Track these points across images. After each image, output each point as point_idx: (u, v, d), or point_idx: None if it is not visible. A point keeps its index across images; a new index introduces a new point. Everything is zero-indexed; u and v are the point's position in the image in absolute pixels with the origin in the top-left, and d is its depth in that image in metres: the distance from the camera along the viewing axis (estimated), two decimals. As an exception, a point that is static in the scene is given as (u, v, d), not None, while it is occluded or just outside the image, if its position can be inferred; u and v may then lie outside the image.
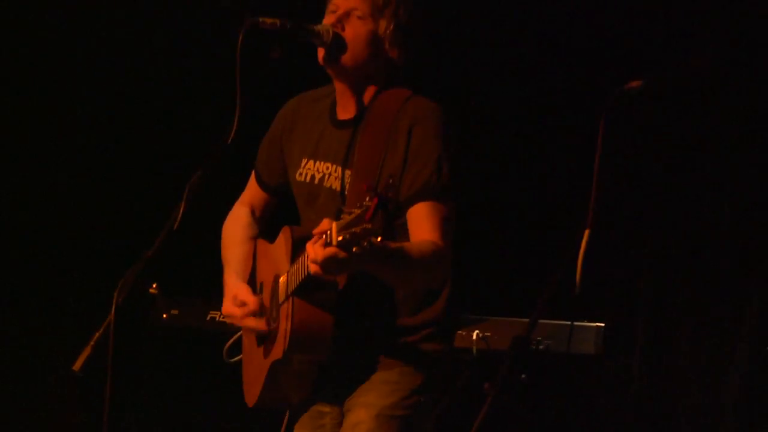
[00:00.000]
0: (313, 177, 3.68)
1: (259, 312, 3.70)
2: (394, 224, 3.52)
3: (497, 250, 5.60)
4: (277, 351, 3.58)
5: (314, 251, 3.21)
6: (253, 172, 3.94)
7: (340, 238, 3.12)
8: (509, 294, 5.22)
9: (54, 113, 6.05)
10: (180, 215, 3.34)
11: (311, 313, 3.49)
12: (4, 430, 6.09)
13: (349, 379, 3.62)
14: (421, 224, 3.52)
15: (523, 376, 4.57)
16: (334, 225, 3.14)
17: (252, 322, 3.69)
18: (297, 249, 3.53)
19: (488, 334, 4.93)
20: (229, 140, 3.40)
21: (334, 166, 3.65)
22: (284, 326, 3.55)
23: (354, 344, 3.59)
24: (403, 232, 3.54)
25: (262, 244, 3.88)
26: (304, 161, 3.73)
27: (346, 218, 3.13)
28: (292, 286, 3.51)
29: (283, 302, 3.61)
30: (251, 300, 3.70)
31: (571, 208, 3.76)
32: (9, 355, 6.08)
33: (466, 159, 3.63)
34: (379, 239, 3.11)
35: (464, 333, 4.91)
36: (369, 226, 3.09)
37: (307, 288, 3.47)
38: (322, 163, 3.68)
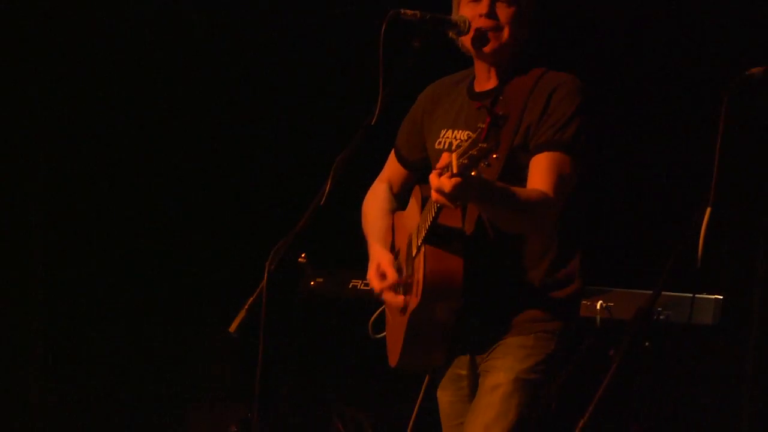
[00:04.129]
0: (450, 144, 3.74)
1: (397, 287, 3.75)
2: (517, 159, 3.57)
3: (622, 225, 5.59)
4: (414, 301, 3.64)
5: (438, 181, 3.26)
6: (392, 151, 4.04)
7: (460, 163, 3.17)
8: (630, 267, 5.23)
9: (215, 105, 6.48)
10: (327, 192, 3.46)
11: (442, 258, 3.54)
12: (168, 381, 6.59)
13: (484, 341, 3.70)
14: (536, 173, 3.55)
15: (646, 344, 4.48)
16: (453, 154, 3.20)
17: (389, 297, 3.75)
18: (426, 204, 3.60)
19: (611, 304, 4.95)
20: (373, 122, 3.50)
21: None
22: (418, 276, 3.61)
23: (487, 294, 3.63)
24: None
25: (398, 216, 3.97)
26: (443, 131, 3.80)
27: (464, 145, 3.19)
28: (422, 234, 3.58)
29: (416, 255, 3.66)
30: (391, 274, 3.74)
31: (692, 185, 3.84)
32: (175, 316, 6.51)
33: (599, 128, 3.66)
34: (495, 156, 3.13)
35: (588, 303, 4.89)
36: (485, 145, 3.11)
37: (436, 235, 3.54)
38: (460, 131, 3.75)
